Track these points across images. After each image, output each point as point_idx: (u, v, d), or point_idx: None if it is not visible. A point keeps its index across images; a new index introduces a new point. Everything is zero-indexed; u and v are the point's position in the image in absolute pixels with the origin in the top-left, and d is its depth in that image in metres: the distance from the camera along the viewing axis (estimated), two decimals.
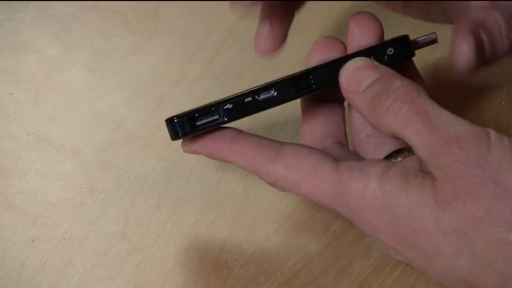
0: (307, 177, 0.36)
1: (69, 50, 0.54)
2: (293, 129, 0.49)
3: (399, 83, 0.36)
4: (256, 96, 0.38)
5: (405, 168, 0.35)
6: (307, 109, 0.41)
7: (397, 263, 0.42)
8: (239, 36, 0.54)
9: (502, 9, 0.40)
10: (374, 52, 0.38)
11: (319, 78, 0.38)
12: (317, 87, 0.38)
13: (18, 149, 0.49)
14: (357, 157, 0.40)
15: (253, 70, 0.52)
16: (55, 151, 0.49)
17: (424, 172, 0.35)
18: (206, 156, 0.39)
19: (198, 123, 0.38)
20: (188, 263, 0.43)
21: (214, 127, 0.38)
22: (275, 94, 0.38)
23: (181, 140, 0.39)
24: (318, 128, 0.41)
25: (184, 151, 0.40)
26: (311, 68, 0.38)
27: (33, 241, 0.44)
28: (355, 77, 0.37)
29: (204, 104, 0.38)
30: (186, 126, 0.38)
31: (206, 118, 0.38)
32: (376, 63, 0.37)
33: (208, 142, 0.39)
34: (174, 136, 0.38)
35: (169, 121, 0.38)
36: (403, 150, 0.38)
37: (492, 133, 0.34)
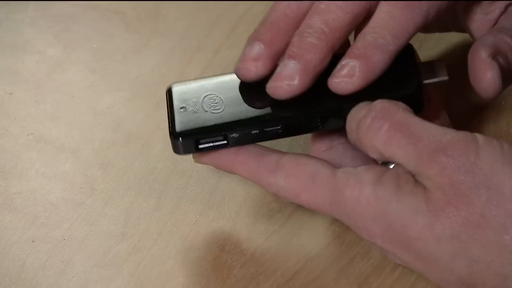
0: (306, 186, 0.37)
1: (69, 50, 0.54)
2: None
3: (376, 102, 0.36)
4: (263, 129, 0.38)
5: (398, 173, 0.35)
6: None
7: (397, 264, 0.42)
8: (239, 36, 0.54)
9: (505, 31, 0.40)
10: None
11: (326, 121, 0.38)
12: (323, 128, 0.39)
13: (18, 149, 0.49)
14: (361, 156, 0.40)
15: None
16: (55, 151, 0.49)
17: (416, 178, 0.35)
18: (215, 168, 0.40)
19: (201, 146, 0.39)
20: (188, 263, 0.43)
21: (216, 149, 0.39)
22: (280, 131, 0.39)
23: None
24: None
25: (194, 161, 0.40)
26: (321, 108, 0.38)
27: (33, 241, 0.44)
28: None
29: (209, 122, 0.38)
30: (190, 146, 0.39)
31: (210, 141, 0.39)
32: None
33: (215, 155, 0.39)
34: (176, 151, 0.39)
35: (174, 138, 0.39)
36: None
37: (480, 137, 0.34)
